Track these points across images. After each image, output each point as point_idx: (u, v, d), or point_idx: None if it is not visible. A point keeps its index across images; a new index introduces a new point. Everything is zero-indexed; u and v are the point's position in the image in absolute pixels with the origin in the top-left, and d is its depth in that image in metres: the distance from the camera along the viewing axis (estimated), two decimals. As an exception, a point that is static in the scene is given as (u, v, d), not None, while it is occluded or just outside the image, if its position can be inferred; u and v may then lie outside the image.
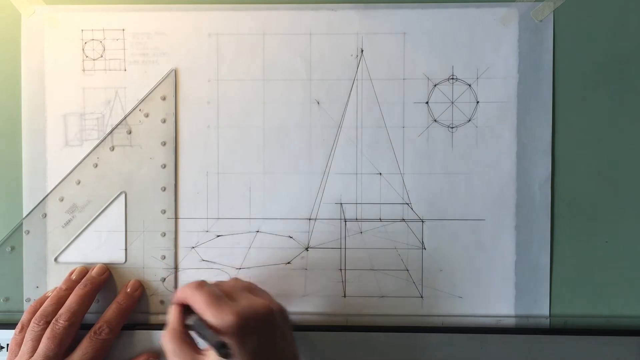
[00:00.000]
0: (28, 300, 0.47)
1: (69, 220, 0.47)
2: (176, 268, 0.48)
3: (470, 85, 0.47)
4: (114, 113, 0.48)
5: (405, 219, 0.48)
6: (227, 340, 0.37)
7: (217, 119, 0.48)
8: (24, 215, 0.47)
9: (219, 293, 0.39)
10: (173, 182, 0.48)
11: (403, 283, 0.48)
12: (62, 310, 0.43)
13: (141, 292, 0.47)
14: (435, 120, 0.47)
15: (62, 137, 0.48)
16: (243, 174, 0.48)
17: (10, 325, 0.46)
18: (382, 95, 0.47)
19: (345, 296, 0.48)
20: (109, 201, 0.48)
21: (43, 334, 0.43)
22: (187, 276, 0.47)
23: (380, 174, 0.48)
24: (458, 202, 0.47)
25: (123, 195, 0.48)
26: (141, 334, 0.46)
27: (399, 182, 0.47)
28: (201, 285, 0.40)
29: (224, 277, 0.47)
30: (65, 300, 0.44)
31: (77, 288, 0.45)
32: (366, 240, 0.48)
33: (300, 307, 0.47)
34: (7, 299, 0.48)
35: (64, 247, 0.48)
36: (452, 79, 0.47)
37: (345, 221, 0.48)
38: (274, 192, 0.48)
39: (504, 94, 0.47)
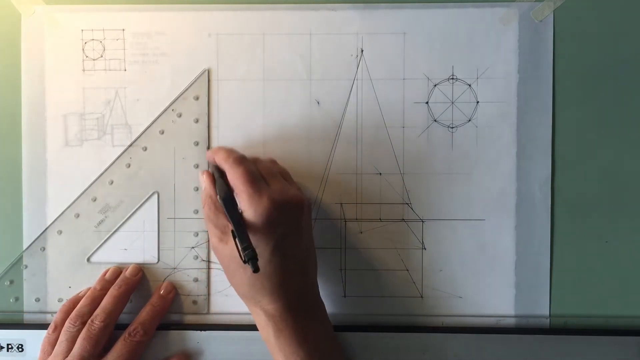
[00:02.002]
0: (60, 300, 0.47)
1: (102, 221, 0.48)
2: (209, 268, 0.48)
3: (470, 85, 0.47)
4: (114, 113, 0.48)
5: (405, 219, 0.48)
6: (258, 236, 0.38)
7: (217, 119, 0.48)
8: (23, 215, 0.47)
9: (257, 174, 0.40)
10: None
11: (403, 283, 0.48)
12: (97, 311, 0.44)
13: (174, 293, 0.47)
14: (435, 120, 0.47)
15: (62, 137, 0.48)
16: (243, 174, 0.48)
17: (42, 325, 0.46)
18: (382, 95, 0.47)
19: (345, 296, 0.48)
20: (142, 201, 0.48)
21: (78, 334, 0.43)
22: (186, 276, 0.48)
23: (380, 174, 0.48)
24: (458, 202, 0.47)
25: (156, 196, 0.48)
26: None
27: (399, 182, 0.47)
28: (241, 160, 0.41)
29: (224, 277, 0.47)
30: (100, 300, 0.45)
31: (111, 289, 0.45)
32: (366, 240, 0.48)
33: (300, 307, 0.47)
34: (38, 299, 0.48)
35: (96, 247, 0.48)
36: (452, 79, 0.47)
37: (345, 221, 0.48)
38: (274, 192, 0.48)
39: (504, 94, 0.47)
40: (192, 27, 0.47)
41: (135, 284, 0.46)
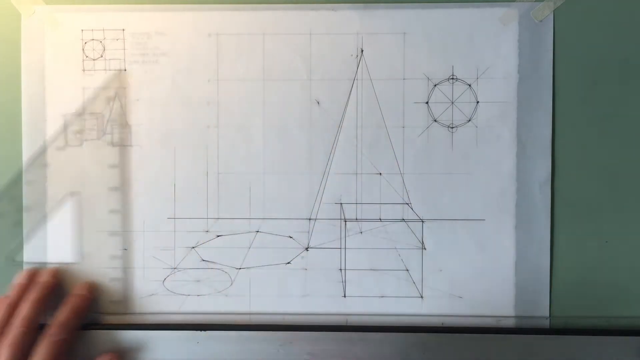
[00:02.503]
0: None
1: (20, 220, 0.47)
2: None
3: (470, 85, 0.47)
4: (114, 113, 0.48)
5: (405, 219, 0.48)
6: None
7: (217, 119, 0.48)
8: (23, 215, 0.47)
9: None
10: (123, 183, 0.47)
11: (403, 283, 0.48)
12: (16, 318, 0.43)
13: (92, 292, 0.47)
14: (435, 120, 0.47)
15: (62, 137, 0.48)
16: (243, 174, 0.48)
17: None
18: (382, 95, 0.47)
19: (345, 296, 0.48)
20: (62, 201, 0.47)
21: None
22: (187, 276, 0.48)
23: (380, 174, 0.48)
24: (458, 202, 0.47)
25: (75, 196, 0.47)
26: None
27: (399, 182, 0.47)
28: None
29: (224, 278, 0.48)
30: (17, 305, 0.44)
31: (28, 293, 0.45)
32: (366, 240, 0.48)
33: (300, 307, 0.48)
34: None
35: (14, 247, 0.47)
36: (452, 79, 0.47)
37: (345, 221, 0.48)
38: (274, 192, 0.48)
39: (504, 94, 0.47)
40: (192, 27, 0.47)
41: (54, 286, 0.46)
